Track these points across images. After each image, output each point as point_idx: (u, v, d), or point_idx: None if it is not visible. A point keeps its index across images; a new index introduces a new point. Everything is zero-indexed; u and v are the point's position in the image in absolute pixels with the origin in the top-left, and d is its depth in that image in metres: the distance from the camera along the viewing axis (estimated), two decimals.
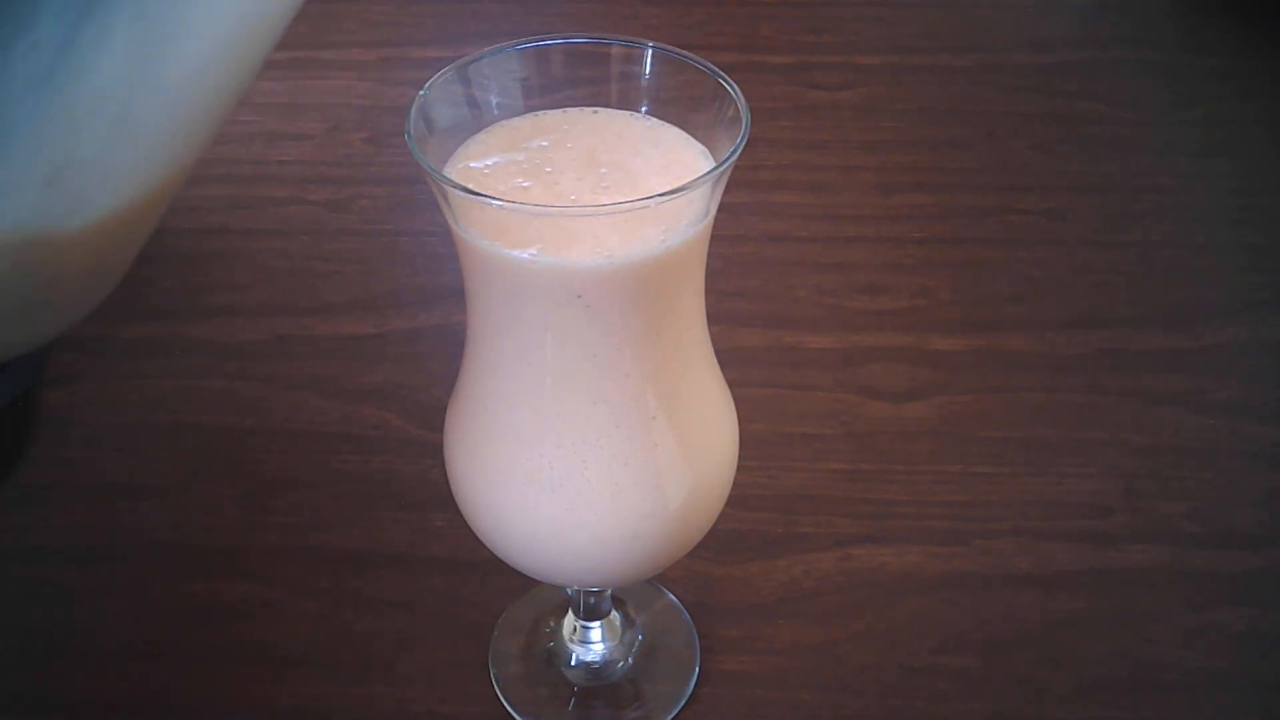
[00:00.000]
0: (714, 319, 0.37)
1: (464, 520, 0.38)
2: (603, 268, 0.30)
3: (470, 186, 0.31)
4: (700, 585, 0.48)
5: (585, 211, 0.31)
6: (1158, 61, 0.82)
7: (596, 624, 0.45)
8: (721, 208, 0.34)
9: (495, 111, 0.35)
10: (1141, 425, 0.55)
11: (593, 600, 0.44)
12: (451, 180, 0.30)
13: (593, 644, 0.46)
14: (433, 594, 0.48)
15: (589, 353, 0.33)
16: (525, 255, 0.31)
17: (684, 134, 0.35)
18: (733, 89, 0.33)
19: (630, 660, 0.46)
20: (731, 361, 0.40)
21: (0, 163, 0.24)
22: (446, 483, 0.39)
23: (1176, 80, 0.80)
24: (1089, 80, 0.79)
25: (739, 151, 0.31)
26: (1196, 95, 0.78)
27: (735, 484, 0.39)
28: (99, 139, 0.25)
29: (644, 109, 0.35)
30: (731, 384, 0.39)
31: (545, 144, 0.34)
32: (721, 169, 0.31)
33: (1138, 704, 0.44)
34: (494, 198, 0.30)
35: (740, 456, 0.39)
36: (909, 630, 0.46)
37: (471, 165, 0.34)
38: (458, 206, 0.32)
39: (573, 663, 0.46)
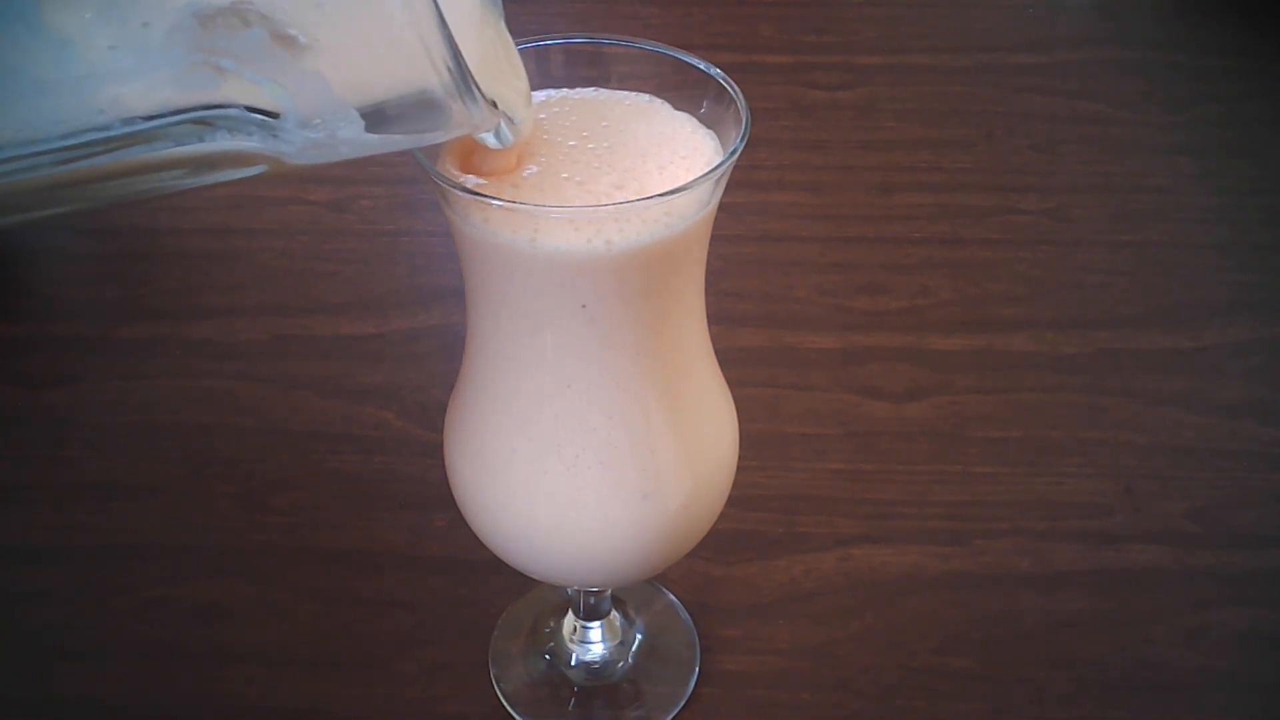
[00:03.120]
0: (714, 319, 0.37)
1: (464, 520, 0.38)
2: (602, 255, 0.30)
3: (469, 186, 0.31)
4: (700, 585, 0.48)
5: (585, 213, 0.31)
6: (1158, 61, 0.82)
7: (596, 624, 0.45)
8: (721, 208, 0.34)
9: None
10: (1141, 425, 0.55)
11: (593, 600, 0.44)
12: (450, 180, 0.30)
13: (593, 644, 0.46)
14: (433, 594, 0.48)
15: (588, 351, 0.33)
16: (523, 242, 0.30)
17: (687, 114, 0.35)
18: (733, 89, 0.33)
19: (630, 660, 0.46)
20: (731, 361, 0.40)
21: None
22: (446, 483, 0.39)
23: (1176, 80, 0.80)
24: (1089, 80, 0.79)
25: (739, 152, 0.31)
26: (1197, 95, 0.78)
27: (735, 484, 0.39)
28: None
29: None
30: (731, 384, 0.39)
31: (547, 122, 0.34)
32: (721, 169, 0.31)
33: (1138, 704, 0.44)
34: (493, 197, 0.30)
35: (740, 456, 0.39)
36: (909, 630, 0.46)
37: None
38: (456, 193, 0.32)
39: (573, 663, 0.46)
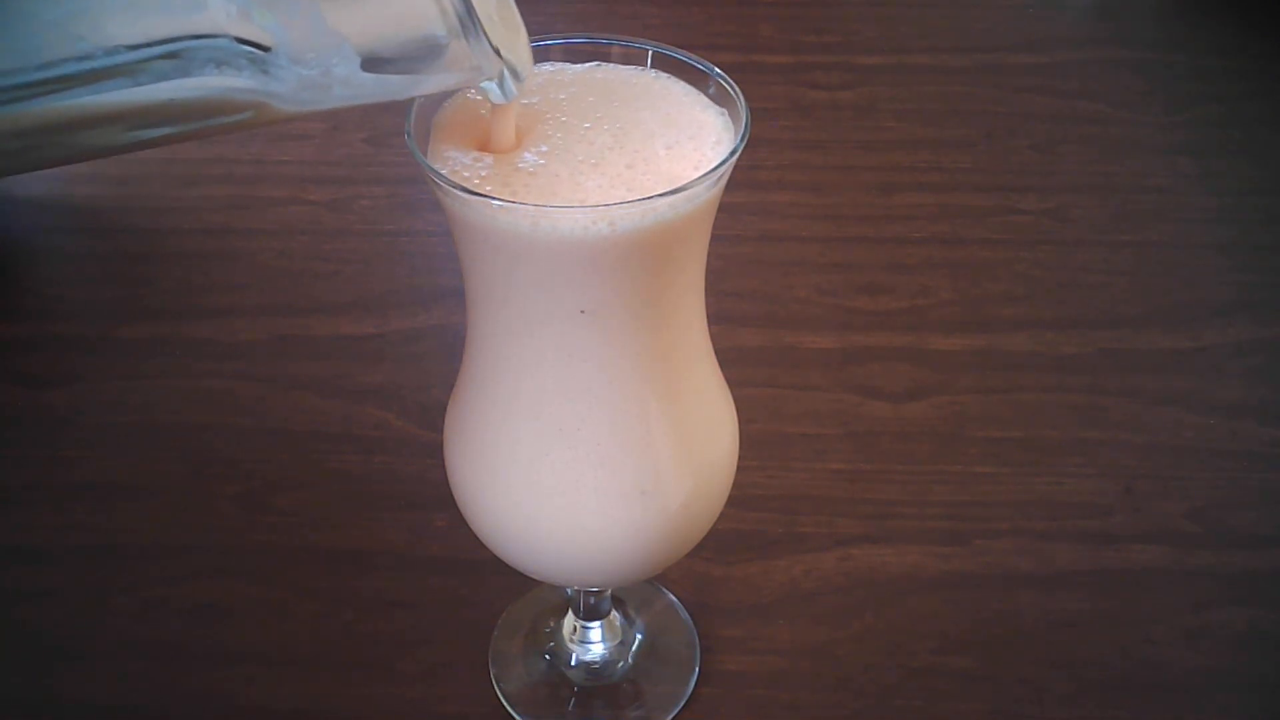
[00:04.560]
0: (714, 319, 0.37)
1: (464, 520, 0.38)
2: (605, 237, 0.30)
3: (468, 186, 0.31)
4: (700, 585, 0.48)
5: (586, 216, 0.31)
6: (1157, 62, 0.82)
7: (596, 624, 0.45)
8: (721, 208, 0.34)
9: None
10: (1141, 425, 0.55)
11: (593, 600, 0.44)
12: (450, 180, 0.30)
13: (593, 644, 0.46)
14: (433, 594, 0.48)
15: (588, 350, 0.33)
16: (524, 226, 0.30)
17: (694, 89, 0.35)
18: (733, 89, 0.33)
19: (630, 660, 0.46)
20: (731, 361, 0.40)
21: None
22: (446, 483, 0.39)
23: (1176, 80, 0.80)
24: (1089, 80, 0.79)
25: (739, 152, 0.31)
26: (1197, 95, 0.78)
27: (735, 484, 0.39)
28: None
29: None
30: (731, 384, 0.39)
31: (565, 103, 0.34)
32: (721, 169, 0.31)
33: (1138, 704, 0.44)
34: (493, 197, 0.30)
35: (740, 456, 0.39)
36: (909, 630, 0.46)
37: (480, 113, 0.33)
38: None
39: (573, 663, 0.46)
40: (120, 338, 0.60)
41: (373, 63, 0.25)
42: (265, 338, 0.60)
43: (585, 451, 0.34)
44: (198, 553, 0.50)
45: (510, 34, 0.29)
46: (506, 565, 0.39)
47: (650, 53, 0.35)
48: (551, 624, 0.47)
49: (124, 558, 0.49)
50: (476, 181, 0.31)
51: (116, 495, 0.52)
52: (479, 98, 0.34)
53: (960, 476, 0.52)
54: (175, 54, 0.24)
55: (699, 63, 0.34)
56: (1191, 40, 0.84)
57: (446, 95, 0.34)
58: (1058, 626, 0.47)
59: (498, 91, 0.29)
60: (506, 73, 0.28)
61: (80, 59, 0.24)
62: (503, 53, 0.26)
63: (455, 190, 0.30)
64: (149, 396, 0.57)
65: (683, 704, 0.44)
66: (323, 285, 0.63)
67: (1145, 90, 0.79)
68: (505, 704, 0.44)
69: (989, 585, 0.48)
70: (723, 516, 0.39)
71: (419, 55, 0.25)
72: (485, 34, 0.25)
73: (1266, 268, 0.64)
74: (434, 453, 0.39)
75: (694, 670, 0.45)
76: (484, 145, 0.32)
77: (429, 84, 0.27)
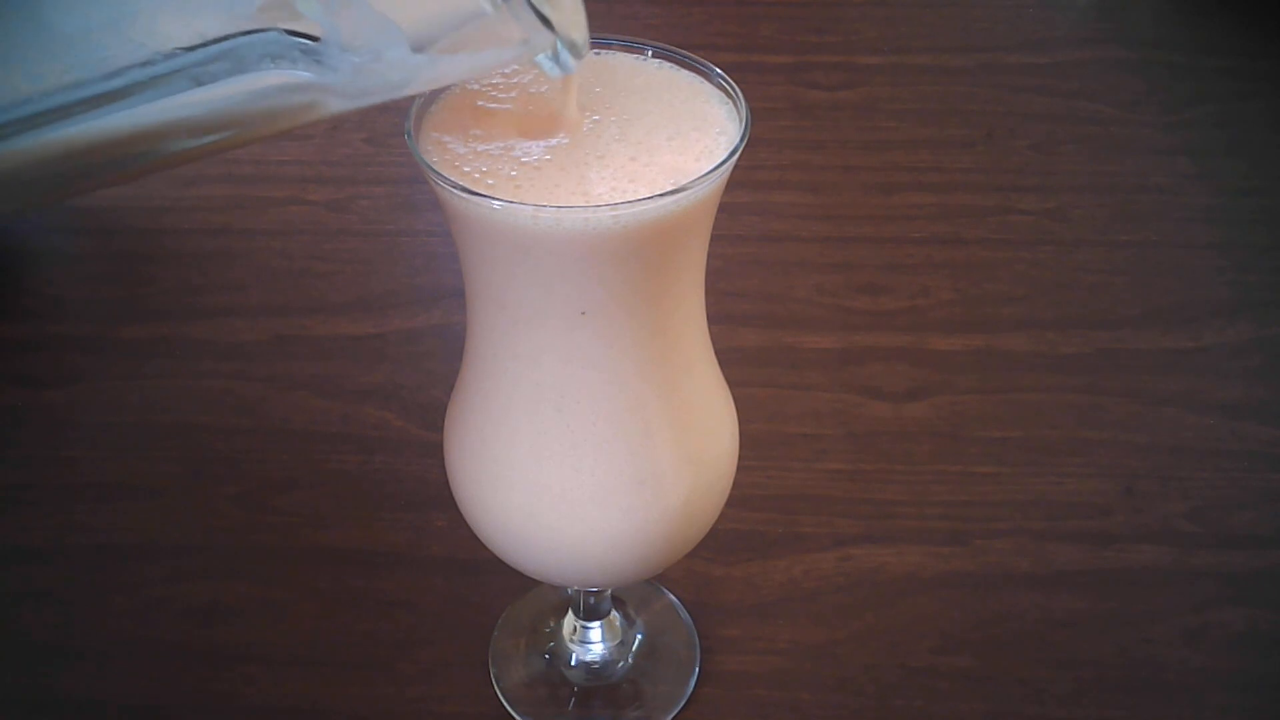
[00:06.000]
0: (714, 319, 0.37)
1: (464, 520, 0.38)
2: (608, 229, 0.30)
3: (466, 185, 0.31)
4: (700, 585, 0.48)
5: (582, 218, 0.31)
6: (1157, 61, 0.82)
7: (596, 624, 0.45)
8: (721, 208, 0.34)
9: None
10: (1141, 425, 0.55)
11: (593, 600, 0.44)
12: (451, 180, 0.30)
13: (593, 644, 0.46)
14: (433, 594, 0.48)
15: (588, 349, 0.33)
16: (525, 218, 0.30)
17: (699, 78, 0.34)
18: (733, 89, 0.33)
19: (630, 660, 0.46)
20: (731, 361, 0.40)
21: None
22: (446, 483, 0.39)
23: (1176, 80, 0.80)
24: (1089, 80, 0.79)
25: (739, 151, 0.31)
26: (1197, 95, 0.78)
27: (735, 484, 0.39)
28: None
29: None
30: (731, 384, 0.39)
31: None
32: (720, 169, 0.31)
33: (1138, 704, 0.44)
34: (494, 197, 0.30)
35: (740, 456, 0.39)
36: (909, 630, 0.46)
37: (479, 104, 0.33)
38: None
39: (573, 663, 0.46)
40: (120, 338, 0.60)
41: (422, 43, 0.25)
42: (265, 338, 0.60)
43: (586, 450, 0.34)
44: (198, 553, 0.50)
45: (562, 6, 0.28)
46: (506, 565, 0.39)
47: (650, 53, 0.35)
48: (551, 624, 0.47)
49: (124, 558, 0.49)
50: (478, 176, 0.31)
51: (116, 495, 0.52)
52: (475, 87, 0.34)
53: (960, 476, 0.52)
54: (230, 52, 0.25)
55: (700, 63, 0.34)
56: (1191, 40, 0.84)
57: (445, 87, 0.34)
58: (1057, 626, 0.47)
59: (552, 66, 0.29)
60: (561, 45, 0.28)
61: (144, 64, 0.25)
62: (554, 25, 0.26)
63: (456, 190, 0.30)
64: (149, 396, 0.57)
65: (683, 704, 0.44)
66: (323, 285, 0.63)
67: (1145, 90, 0.79)
68: (505, 704, 0.44)
69: (989, 585, 0.48)
70: (723, 516, 0.39)
71: (467, 29, 0.25)
72: (530, 2, 0.25)
73: (1266, 268, 0.64)
74: (434, 453, 0.39)
75: (694, 670, 0.45)
76: (523, 131, 0.32)
77: (482, 61, 0.27)
